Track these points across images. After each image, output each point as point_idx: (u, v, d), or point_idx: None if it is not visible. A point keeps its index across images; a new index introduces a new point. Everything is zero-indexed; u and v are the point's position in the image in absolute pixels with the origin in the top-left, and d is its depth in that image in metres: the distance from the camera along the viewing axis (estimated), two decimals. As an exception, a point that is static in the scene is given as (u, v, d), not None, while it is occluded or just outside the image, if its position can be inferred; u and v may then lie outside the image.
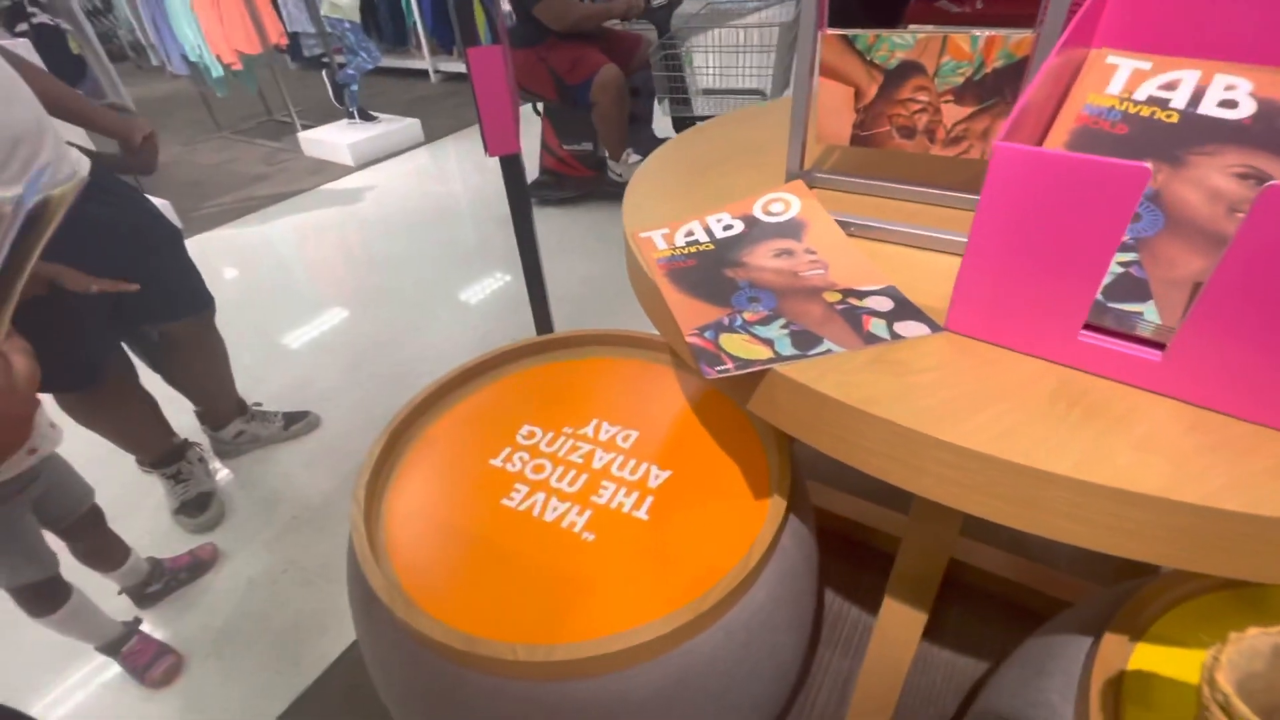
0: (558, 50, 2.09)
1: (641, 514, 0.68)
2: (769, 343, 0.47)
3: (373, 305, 2.03)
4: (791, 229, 0.60)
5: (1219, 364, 0.36)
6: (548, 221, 2.39)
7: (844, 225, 0.59)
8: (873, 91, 0.59)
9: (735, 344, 0.47)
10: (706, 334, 0.48)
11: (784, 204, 0.62)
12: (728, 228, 0.62)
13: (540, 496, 0.71)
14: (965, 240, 0.42)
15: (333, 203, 2.83)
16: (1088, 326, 0.41)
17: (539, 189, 2.45)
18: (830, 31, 0.58)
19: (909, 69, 0.56)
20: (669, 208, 0.67)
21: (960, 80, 0.55)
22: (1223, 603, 0.54)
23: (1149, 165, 0.34)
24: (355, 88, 3.21)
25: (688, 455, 0.74)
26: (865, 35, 0.57)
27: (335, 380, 1.67)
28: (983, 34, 0.53)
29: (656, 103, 2.17)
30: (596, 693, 0.56)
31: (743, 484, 0.70)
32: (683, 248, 0.60)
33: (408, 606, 0.57)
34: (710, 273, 0.56)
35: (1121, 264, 0.42)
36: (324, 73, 3.29)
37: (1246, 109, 0.44)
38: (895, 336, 0.46)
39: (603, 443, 0.77)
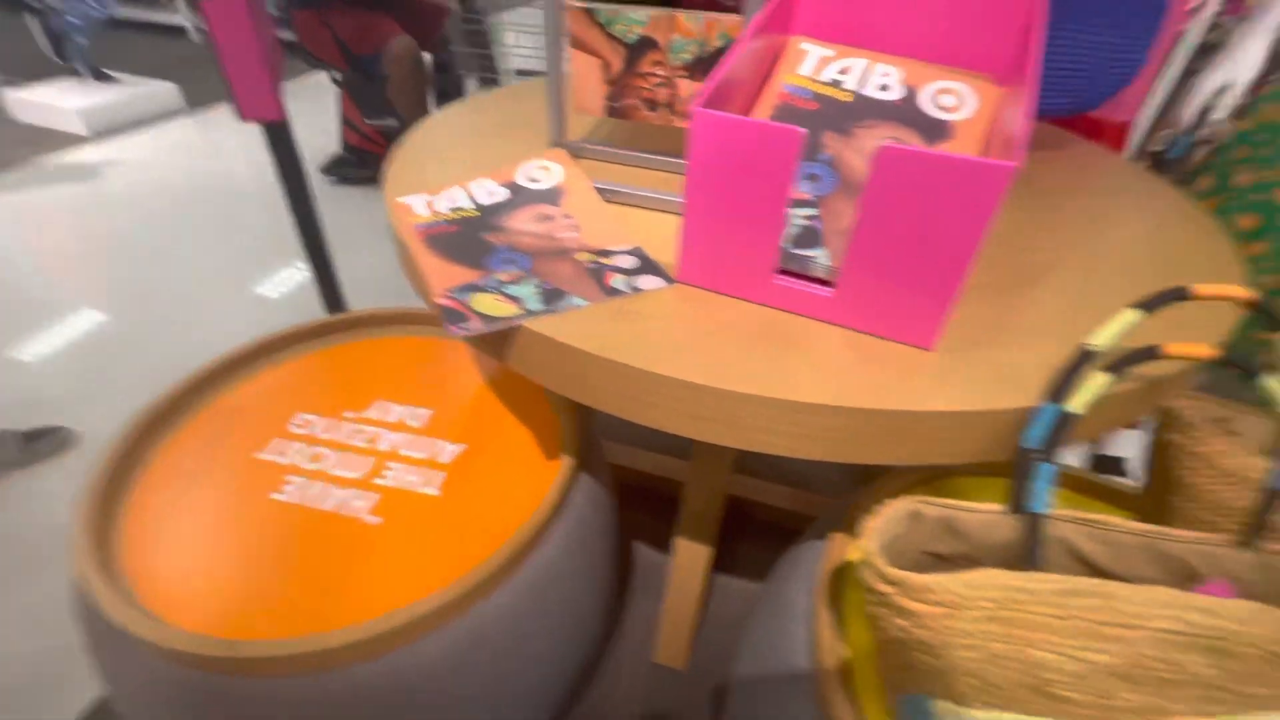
0: (343, 15, 1.92)
1: (433, 490, 0.67)
2: (519, 300, 0.48)
3: (134, 303, 1.73)
4: (551, 195, 0.62)
5: (867, 295, 0.44)
6: (349, 202, 2.21)
7: (603, 192, 0.63)
8: (618, 65, 0.63)
9: (485, 303, 0.48)
10: (457, 295, 0.49)
11: (546, 171, 0.64)
12: (492, 194, 0.62)
13: (318, 487, 0.67)
14: (681, 203, 0.47)
15: (62, 180, 2.33)
16: (783, 271, 0.48)
17: (340, 167, 2.25)
18: (573, 4, 0.60)
19: (647, 44, 0.61)
20: (436, 174, 0.66)
21: (690, 56, 0.60)
22: (921, 493, 0.66)
23: (804, 130, 0.40)
24: (83, 40, 2.63)
25: (481, 428, 0.74)
26: (604, 9, 0.60)
27: (91, 390, 1.41)
28: (703, 15, 0.58)
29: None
30: (384, 672, 0.55)
31: (535, 449, 0.72)
32: (445, 214, 0.59)
33: (149, 623, 0.51)
34: (471, 238, 0.56)
35: (805, 218, 0.49)
36: (29, 18, 2.62)
37: (897, 92, 0.55)
38: (634, 290, 0.50)
39: (390, 424, 0.74)
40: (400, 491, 0.66)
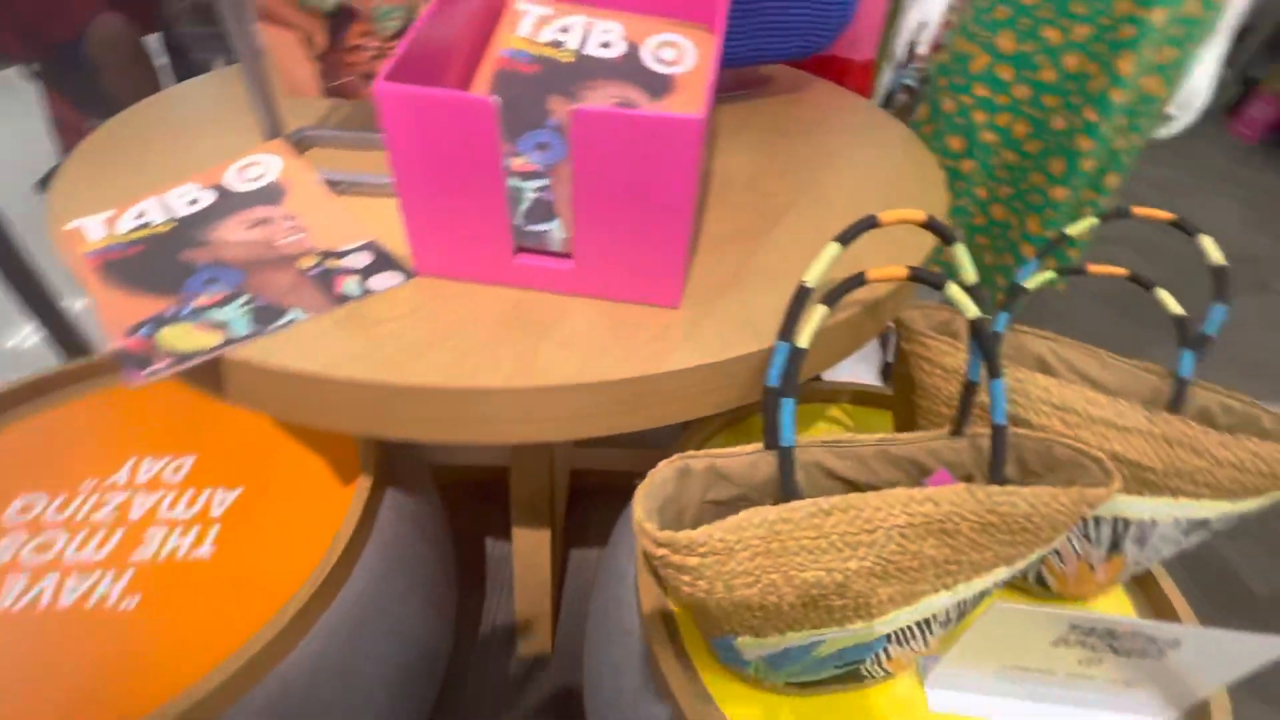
0: (18, -10, 1.55)
1: (203, 551, 0.58)
2: (223, 326, 0.42)
3: None
4: (269, 194, 0.54)
5: (604, 263, 0.44)
6: (85, 224, 1.84)
7: (334, 185, 0.56)
8: (322, 38, 0.55)
9: (177, 336, 0.41)
10: (141, 332, 0.41)
11: (261, 168, 0.56)
12: (194, 202, 0.53)
13: (49, 581, 0.55)
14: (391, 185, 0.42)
15: None
16: (521, 249, 0.46)
17: (60, 181, 1.86)
18: (247, -30, 0.52)
19: (347, 14, 0.54)
20: (123, 185, 0.55)
21: (397, 24, 0.55)
22: (727, 435, 0.70)
23: (495, 100, 0.38)
24: None
25: (260, 465, 0.65)
26: (287, -25, 0.52)
27: None
28: (404, -23, 0.53)
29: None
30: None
31: (329, 476, 0.65)
32: (126, 234, 0.49)
33: None
34: (163, 258, 0.47)
35: (537, 190, 0.47)
36: None
37: (619, 49, 0.54)
38: (367, 292, 0.45)
39: (143, 485, 0.63)
40: (162, 564, 0.57)
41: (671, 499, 0.44)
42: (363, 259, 0.49)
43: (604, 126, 0.37)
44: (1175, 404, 0.55)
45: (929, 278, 0.43)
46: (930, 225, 0.42)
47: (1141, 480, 0.52)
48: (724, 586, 0.40)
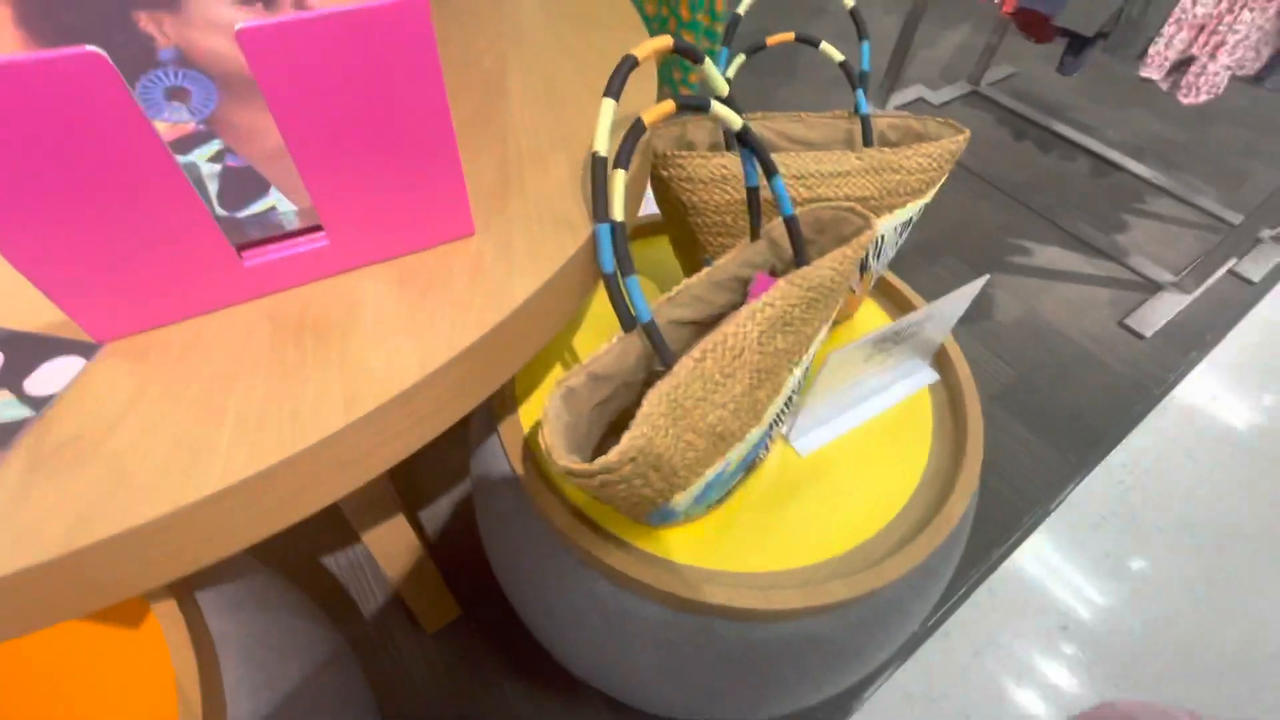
0: None
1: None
2: None
3: None
4: None
5: (361, 217, 0.34)
6: None
7: None
8: None
9: None
10: None
11: None
12: None
13: None
14: None
15: None
16: (246, 248, 0.33)
17: None
18: None
19: None
20: None
21: None
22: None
23: (154, 48, 0.24)
24: None
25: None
26: None
27: None
28: None
29: None
30: None
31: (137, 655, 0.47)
32: None
33: None
34: None
35: (212, 159, 0.33)
36: None
37: (190, -89, 0.37)
38: (39, 404, 0.30)
39: None
40: None
41: (570, 425, 0.42)
42: (-16, 362, 0.31)
43: (298, 42, 0.26)
44: (867, 138, 0.66)
45: (694, 102, 0.42)
46: (679, 49, 0.40)
47: (870, 208, 0.64)
48: (655, 471, 0.41)
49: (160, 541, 0.28)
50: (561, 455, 0.37)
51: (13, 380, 0.30)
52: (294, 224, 0.34)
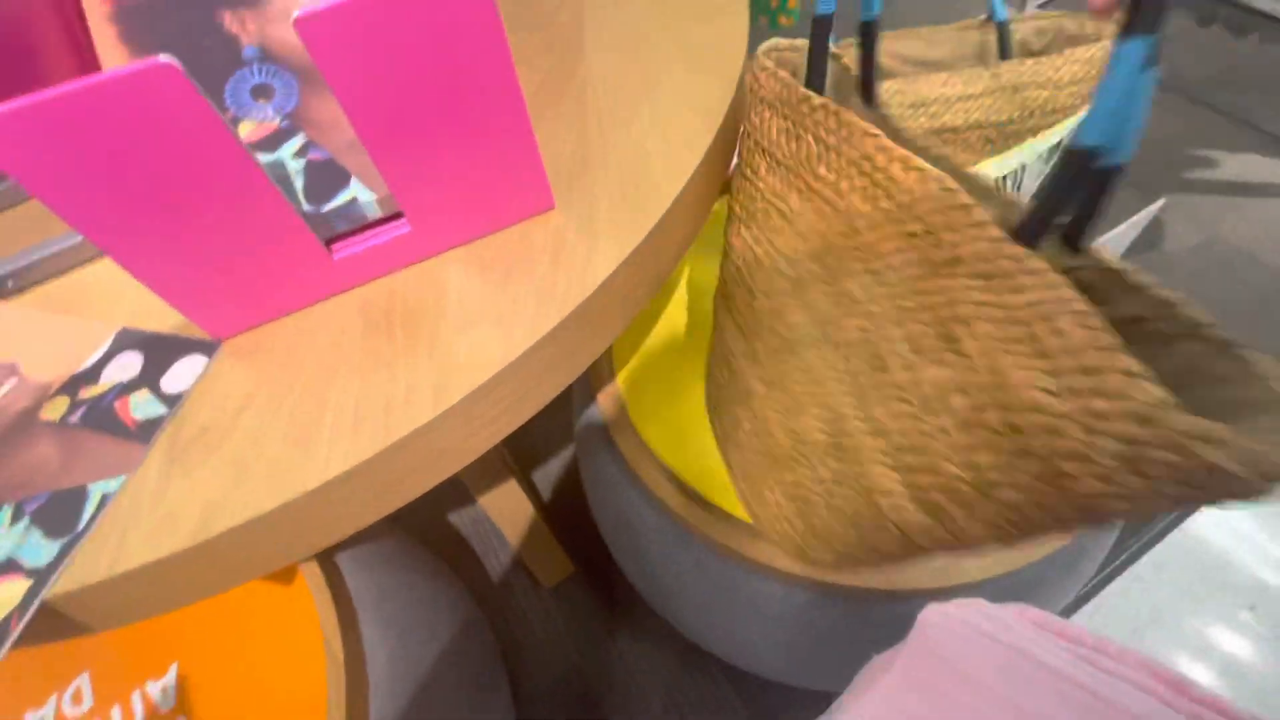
0: None
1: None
2: (13, 566, 0.28)
3: None
4: (-89, 354, 0.35)
5: (442, 200, 0.33)
6: None
7: (-5, 286, 0.38)
8: None
9: (-42, 619, 0.27)
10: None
11: None
12: None
13: None
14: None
15: None
16: (334, 241, 0.34)
17: None
18: None
19: None
20: None
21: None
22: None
23: (239, 45, 0.24)
24: None
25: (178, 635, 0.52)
26: None
27: None
28: None
29: None
30: None
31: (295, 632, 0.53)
32: None
33: None
34: None
35: (298, 154, 0.34)
36: None
37: (260, -101, 0.36)
38: (175, 402, 0.32)
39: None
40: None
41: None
42: (129, 364, 0.34)
43: (357, 27, 0.25)
44: (1004, 50, 0.56)
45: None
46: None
47: (1006, 134, 0.54)
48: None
49: (277, 530, 0.29)
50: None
51: (152, 379, 0.33)
52: (376, 213, 0.33)
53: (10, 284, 0.38)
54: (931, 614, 0.28)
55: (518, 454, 1.06)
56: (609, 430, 0.57)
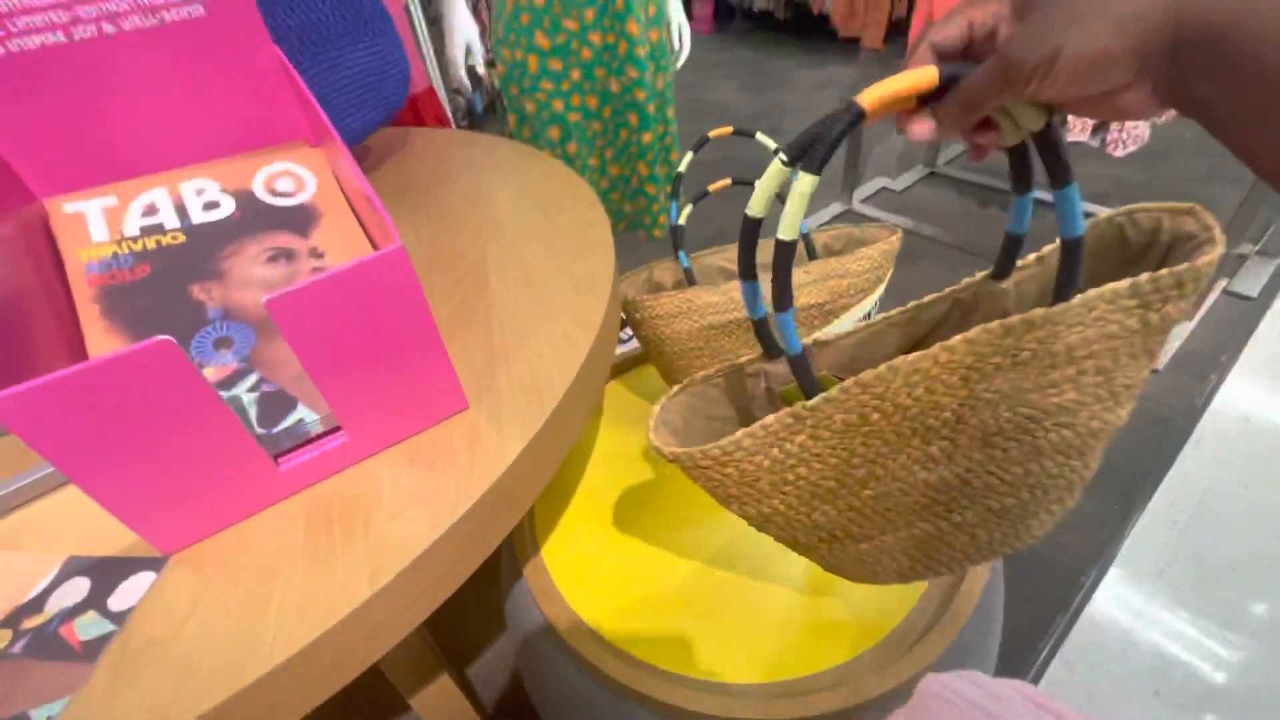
0: None
1: None
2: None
3: None
4: None
5: (373, 415, 0.41)
6: None
7: (-62, 534, 0.40)
8: None
9: None
10: None
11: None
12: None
13: None
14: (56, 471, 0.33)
15: None
16: (280, 455, 0.40)
17: None
18: None
19: None
20: None
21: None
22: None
23: (205, 311, 0.32)
24: None
25: None
26: None
27: None
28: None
29: None
30: None
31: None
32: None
33: None
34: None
35: (251, 389, 0.41)
36: None
37: (229, 205, 0.48)
38: (123, 618, 0.35)
39: None
40: None
41: (693, 414, 0.42)
42: (76, 589, 0.37)
43: (306, 303, 0.35)
44: (811, 254, 0.75)
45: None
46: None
47: (825, 313, 0.70)
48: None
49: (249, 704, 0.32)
50: (658, 435, 0.39)
51: (99, 601, 0.36)
52: (318, 429, 0.41)
53: (-46, 531, 0.41)
54: (931, 684, 0.29)
55: (450, 652, 1.02)
56: (536, 603, 0.61)
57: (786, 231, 0.32)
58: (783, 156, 0.31)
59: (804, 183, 0.30)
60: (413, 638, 0.69)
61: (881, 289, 0.73)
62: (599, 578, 0.63)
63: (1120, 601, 0.99)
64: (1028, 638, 0.95)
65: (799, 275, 0.69)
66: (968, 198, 2.06)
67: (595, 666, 0.55)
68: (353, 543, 0.38)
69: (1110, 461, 1.16)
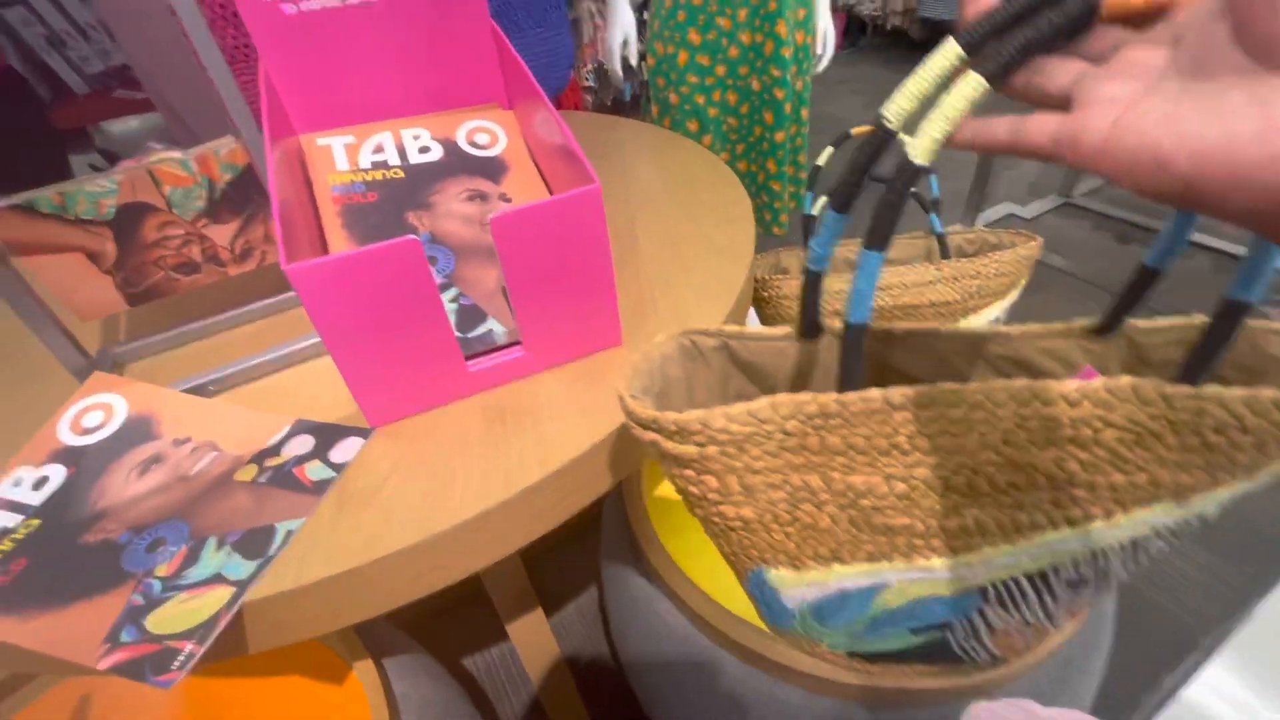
0: None
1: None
2: (218, 579, 0.37)
3: None
4: (132, 435, 0.47)
5: (553, 335, 0.47)
6: None
7: (200, 390, 0.50)
8: (111, 248, 0.49)
9: (172, 618, 0.35)
10: (125, 637, 0.35)
11: (100, 413, 0.48)
12: (41, 483, 0.44)
13: None
14: (319, 340, 0.41)
15: None
16: (471, 357, 0.47)
17: None
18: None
19: (137, 211, 0.49)
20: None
21: (202, 203, 0.51)
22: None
23: (417, 235, 0.39)
24: None
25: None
26: (46, 197, 0.45)
27: None
28: (190, 154, 0.49)
29: None
30: None
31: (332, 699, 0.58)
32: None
33: None
34: (45, 566, 0.39)
35: (453, 300, 0.49)
36: None
37: (437, 150, 0.56)
38: (341, 468, 0.43)
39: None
40: None
41: (673, 381, 0.36)
42: (304, 443, 0.45)
43: (523, 223, 0.41)
44: (944, 252, 0.75)
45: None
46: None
47: (952, 311, 0.71)
48: (740, 486, 0.31)
49: (419, 559, 0.39)
50: (623, 384, 0.32)
51: (322, 453, 0.45)
52: (503, 340, 0.48)
53: (211, 388, 0.51)
54: (981, 711, 0.27)
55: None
56: (639, 544, 0.65)
57: (931, 135, 0.24)
58: (959, 45, 0.23)
59: (970, 84, 0.23)
60: (517, 567, 0.76)
61: (1015, 294, 0.73)
62: (702, 537, 0.66)
63: (1214, 690, 0.91)
64: (1124, 692, 0.90)
65: (928, 271, 0.70)
66: (1104, 231, 1.93)
67: (693, 610, 0.59)
68: (525, 437, 0.44)
69: (1247, 518, 1.06)
